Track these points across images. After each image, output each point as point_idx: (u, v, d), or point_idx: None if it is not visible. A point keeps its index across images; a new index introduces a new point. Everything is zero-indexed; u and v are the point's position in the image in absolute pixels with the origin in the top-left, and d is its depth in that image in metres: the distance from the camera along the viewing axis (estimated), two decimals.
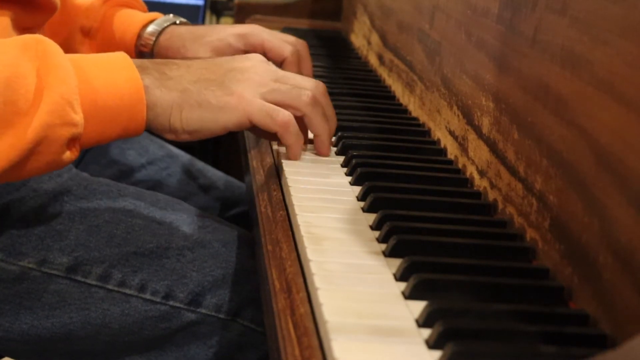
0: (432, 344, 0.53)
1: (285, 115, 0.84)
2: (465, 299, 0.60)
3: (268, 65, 0.88)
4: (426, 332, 0.55)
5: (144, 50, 1.13)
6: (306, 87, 0.86)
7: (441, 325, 0.53)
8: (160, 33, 1.13)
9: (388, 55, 1.30)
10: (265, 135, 0.92)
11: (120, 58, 0.81)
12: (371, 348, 0.52)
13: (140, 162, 1.20)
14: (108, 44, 1.16)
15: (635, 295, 0.54)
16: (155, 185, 1.18)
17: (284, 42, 1.12)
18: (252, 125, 0.84)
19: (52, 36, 1.10)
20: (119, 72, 0.79)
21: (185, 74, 0.84)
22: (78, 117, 0.75)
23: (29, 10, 0.93)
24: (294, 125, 0.85)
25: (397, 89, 1.21)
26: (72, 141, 0.76)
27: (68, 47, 1.14)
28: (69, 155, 0.77)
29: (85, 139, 0.78)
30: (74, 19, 1.15)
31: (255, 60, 0.88)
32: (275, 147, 0.92)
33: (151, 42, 1.13)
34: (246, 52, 1.11)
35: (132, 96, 0.79)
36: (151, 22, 1.14)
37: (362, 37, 1.54)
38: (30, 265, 0.88)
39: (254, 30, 1.13)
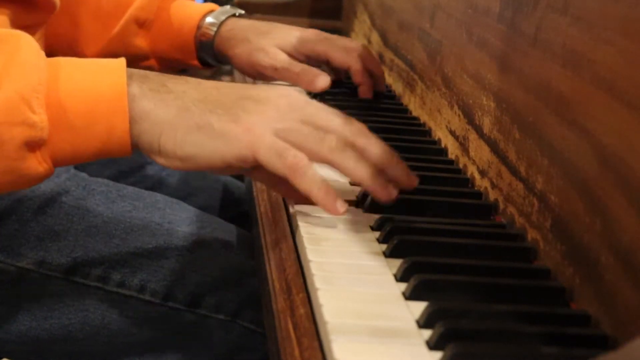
0: (432, 345, 0.53)
1: (297, 155, 0.69)
2: (466, 300, 0.60)
3: (296, 99, 0.73)
4: (427, 333, 0.54)
5: (203, 40, 1.18)
6: (335, 129, 0.71)
7: (442, 326, 0.53)
8: (221, 24, 1.17)
9: (388, 55, 1.29)
10: (275, 184, 0.75)
11: (114, 63, 0.72)
12: (371, 349, 0.52)
13: (139, 162, 1.20)
14: (165, 35, 1.19)
15: (636, 295, 0.53)
16: (154, 185, 1.18)
17: (347, 51, 1.15)
18: (256, 164, 0.70)
19: (73, 31, 1.14)
20: (103, 76, 0.70)
21: (191, 90, 0.72)
22: (37, 117, 0.67)
23: (28, 9, 0.93)
24: (307, 167, 0.69)
25: (398, 88, 1.21)
26: (33, 147, 0.68)
27: (120, 39, 1.18)
28: (34, 164, 0.68)
29: (57, 149, 0.69)
30: (126, 11, 1.18)
31: (281, 92, 0.73)
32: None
33: (211, 33, 1.17)
34: (308, 57, 1.15)
35: (112, 103, 0.69)
36: (210, 12, 1.18)
37: (363, 36, 1.53)
38: (29, 267, 0.88)
39: (317, 37, 1.16)
